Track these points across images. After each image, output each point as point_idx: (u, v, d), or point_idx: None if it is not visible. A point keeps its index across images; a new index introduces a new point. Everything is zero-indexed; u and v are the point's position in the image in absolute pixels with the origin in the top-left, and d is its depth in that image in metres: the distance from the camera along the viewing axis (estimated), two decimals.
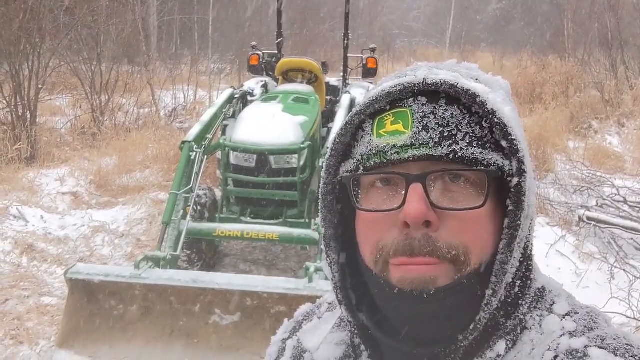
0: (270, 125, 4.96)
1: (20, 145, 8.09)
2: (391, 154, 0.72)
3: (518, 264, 0.74)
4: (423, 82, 0.72)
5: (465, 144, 0.70)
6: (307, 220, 4.88)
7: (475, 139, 0.71)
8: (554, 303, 0.77)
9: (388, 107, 0.74)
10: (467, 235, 0.71)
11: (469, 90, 0.70)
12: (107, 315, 3.91)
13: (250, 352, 3.77)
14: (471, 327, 0.72)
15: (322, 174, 0.81)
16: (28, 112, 8.79)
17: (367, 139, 0.75)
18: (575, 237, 5.90)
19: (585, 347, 0.70)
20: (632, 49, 13.72)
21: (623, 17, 13.75)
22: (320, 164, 4.83)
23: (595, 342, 0.70)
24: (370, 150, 0.74)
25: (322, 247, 0.83)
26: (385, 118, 0.74)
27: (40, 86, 9.06)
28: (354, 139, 0.78)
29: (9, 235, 5.62)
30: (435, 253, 0.70)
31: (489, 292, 0.72)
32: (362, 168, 0.75)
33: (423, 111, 0.72)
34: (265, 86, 6.40)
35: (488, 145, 0.71)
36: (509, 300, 0.75)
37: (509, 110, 0.72)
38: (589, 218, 6.04)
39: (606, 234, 5.90)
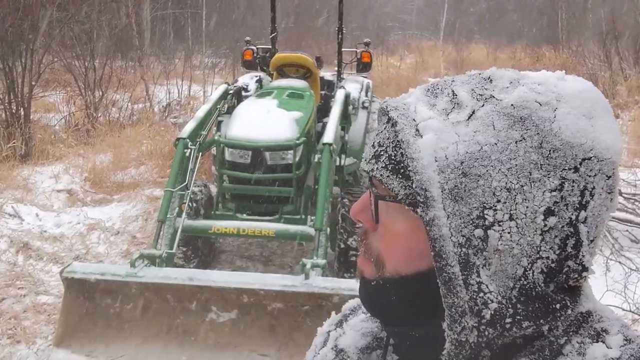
0: (265, 121, 4.95)
1: (14, 142, 8.05)
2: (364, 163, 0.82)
3: (520, 304, 0.70)
4: (384, 103, 0.79)
5: (382, 166, 0.75)
6: (303, 216, 4.88)
7: (393, 163, 0.73)
8: (606, 332, 0.73)
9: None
10: (381, 245, 0.78)
11: (391, 118, 0.75)
12: (104, 314, 3.91)
13: (248, 349, 3.78)
14: (443, 353, 0.72)
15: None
16: (22, 109, 8.75)
17: None
18: None
19: None
20: (627, 40, 13.75)
21: (617, 8, 13.76)
22: (316, 160, 4.83)
23: None
24: None
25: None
26: None
27: (33, 83, 9.02)
28: None
29: (4, 233, 5.60)
30: (362, 244, 0.82)
31: (444, 324, 0.70)
32: None
33: (378, 129, 0.79)
34: (259, 81, 6.38)
35: (402, 171, 0.72)
36: (520, 319, 0.70)
37: (429, 138, 0.70)
38: None
39: None
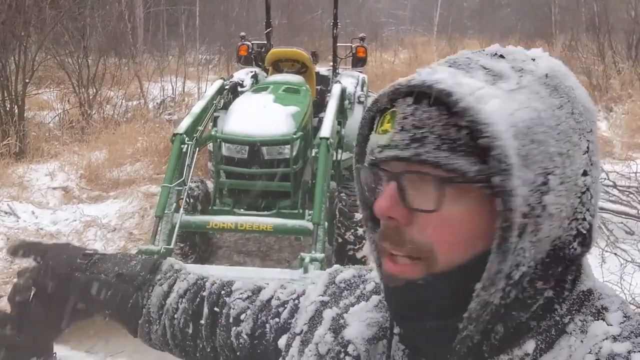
0: (262, 116, 4.94)
1: (8, 140, 8.02)
2: (376, 152, 0.75)
3: (540, 265, 0.72)
4: (408, 82, 0.73)
5: (433, 147, 0.69)
6: (301, 211, 4.88)
7: (448, 142, 0.69)
8: (606, 309, 0.75)
9: (389, 106, 0.76)
10: (432, 235, 0.72)
11: (443, 89, 0.69)
12: None
13: None
14: (465, 315, 0.72)
15: (353, 160, 0.86)
16: (15, 106, 8.71)
17: (371, 134, 0.79)
18: None
19: (629, 352, 0.69)
20: (620, 33, 13.78)
21: (609, 1, 13.79)
22: (313, 154, 4.83)
23: None
24: (370, 145, 0.78)
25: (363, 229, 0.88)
26: (385, 116, 0.76)
27: (27, 80, 8.98)
28: (371, 131, 0.81)
29: (1, 231, 5.59)
30: (399, 244, 0.74)
31: (479, 285, 0.70)
32: (366, 161, 0.80)
33: (405, 112, 0.72)
34: (255, 77, 6.38)
35: (462, 148, 0.69)
36: (542, 303, 0.73)
37: (496, 104, 0.69)
38: None
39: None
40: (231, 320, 1.04)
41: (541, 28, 17.82)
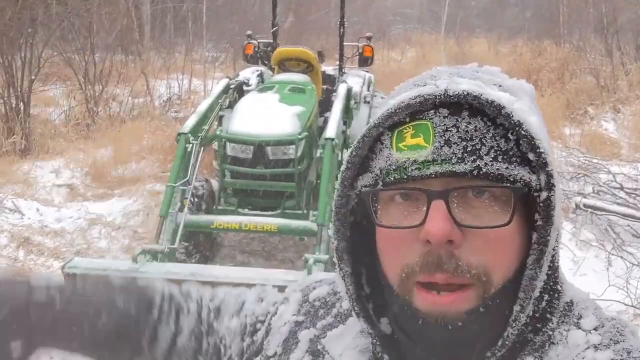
0: (267, 115, 4.93)
1: (14, 137, 8.04)
2: (412, 169, 0.68)
3: (546, 277, 0.72)
4: (445, 93, 0.69)
5: (490, 159, 0.67)
6: (305, 211, 4.87)
7: (501, 153, 0.68)
8: (581, 317, 0.75)
9: (407, 119, 0.71)
10: (489, 254, 0.68)
11: (494, 101, 0.67)
12: None
13: None
14: (499, 343, 0.70)
15: (337, 186, 0.78)
16: (21, 103, 8.73)
17: (386, 153, 0.72)
18: (572, 224, 5.91)
19: None
20: (628, 34, 13.69)
21: (618, 2, 13.71)
22: (318, 155, 4.81)
23: (621, 356, 0.69)
24: (390, 164, 0.71)
25: (334, 259, 0.80)
26: (405, 131, 0.70)
27: (33, 77, 8.99)
28: (372, 151, 0.75)
29: (5, 228, 5.60)
30: (457, 270, 0.68)
31: (516, 307, 0.70)
32: (381, 183, 0.72)
33: (445, 124, 0.68)
34: (260, 76, 6.36)
35: (514, 159, 0.68)
36: (537, 316, 0.73)
37: (536, 120, 0.69)
38: (585, 205, 6.04)
39: (603, 221, 5.90)
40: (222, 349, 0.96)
41: (549, 28, 17.72)
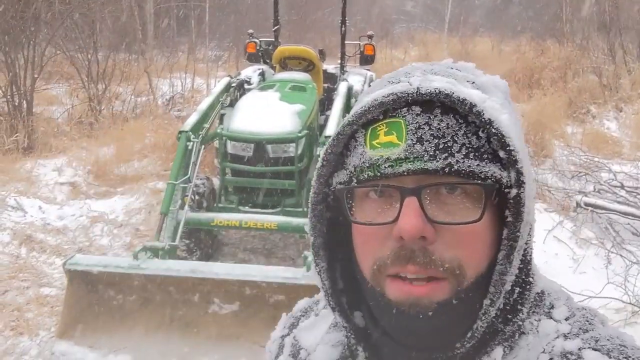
0: (268, 114, 4.95)
1: (17, 135, 8.07)
2: (385, 167, 0.70)
3: (517, 271, 0.73)
4: (417, 91, 0.69)
5: (462, 156, 0.68)
6: (305, 209, 4.88)
7: (472, 151, 0.69)
8: (552, 307, 0.77)
9: (381, 117, 0.72)
10: (462, 249, 0.70)
11: (465, 99, 0.68)
12: (107, 306, 3.93)
13: (249, 341, 3.79)
14: (469, 335, 0.72)
15: (313, 182, 0.79)
16: (24, 101, 8.76)
17: (359, 150, 0.73)
18: (573, 222, 5.92)
19: (580, 349, 0.70)
20: (631, 33, 13.65)
21: (621, 1, 13.67)
22: (318, 153, 4.83)
23: (589, 344, 0.70)
24: (364, 162, 0.72)
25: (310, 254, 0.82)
26: (379, 128, 0.71)
27: (36, 75, 9.02)
28: (347, 148, 0.76)
29: (7, 226, 5.62)
30: (430, 264, 0.69)
31: (486, 301, 0.71)
32: (355, 180, 0.73)
33: (417, 122, 0.69)
34: (262, 74, 6.38)
35: (485, 156, 0.69)
36: (508, 308, 0.74)
37: (507, 118, 0.70)
38: (586, 204, 6.05)
39: (603, 219, 5.91)
40: None
41: (552, 27, 17.68)
